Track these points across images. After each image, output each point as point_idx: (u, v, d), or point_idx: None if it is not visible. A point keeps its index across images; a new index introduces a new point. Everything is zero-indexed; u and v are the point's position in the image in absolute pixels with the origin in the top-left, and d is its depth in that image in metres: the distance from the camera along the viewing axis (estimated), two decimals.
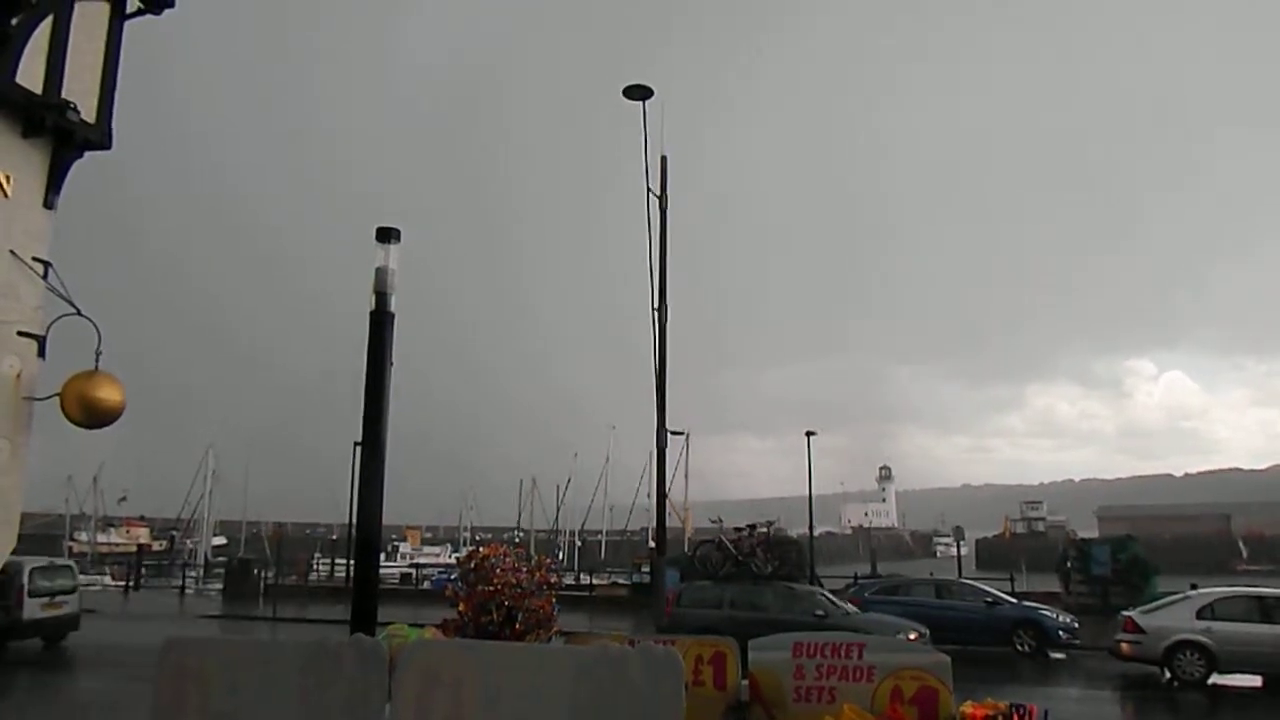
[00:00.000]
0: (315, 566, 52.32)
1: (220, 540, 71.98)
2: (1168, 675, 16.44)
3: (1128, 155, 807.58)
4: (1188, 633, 16.32)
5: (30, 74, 6.65)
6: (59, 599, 20.18)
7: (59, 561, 23.37)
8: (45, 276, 6.79)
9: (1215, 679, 16.15)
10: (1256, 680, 16.35)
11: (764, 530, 23.10)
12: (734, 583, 20.50)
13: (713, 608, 19.40)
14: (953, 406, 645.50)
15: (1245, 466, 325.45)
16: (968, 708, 5.19)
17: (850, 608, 19.65)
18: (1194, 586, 20.04)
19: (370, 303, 6.36)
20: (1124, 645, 17.13)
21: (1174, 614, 16.97)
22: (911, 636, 16.89)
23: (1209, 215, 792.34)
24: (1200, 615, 16.50)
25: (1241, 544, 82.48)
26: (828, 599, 19.80)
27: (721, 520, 25.70)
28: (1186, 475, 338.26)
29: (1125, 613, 17.97)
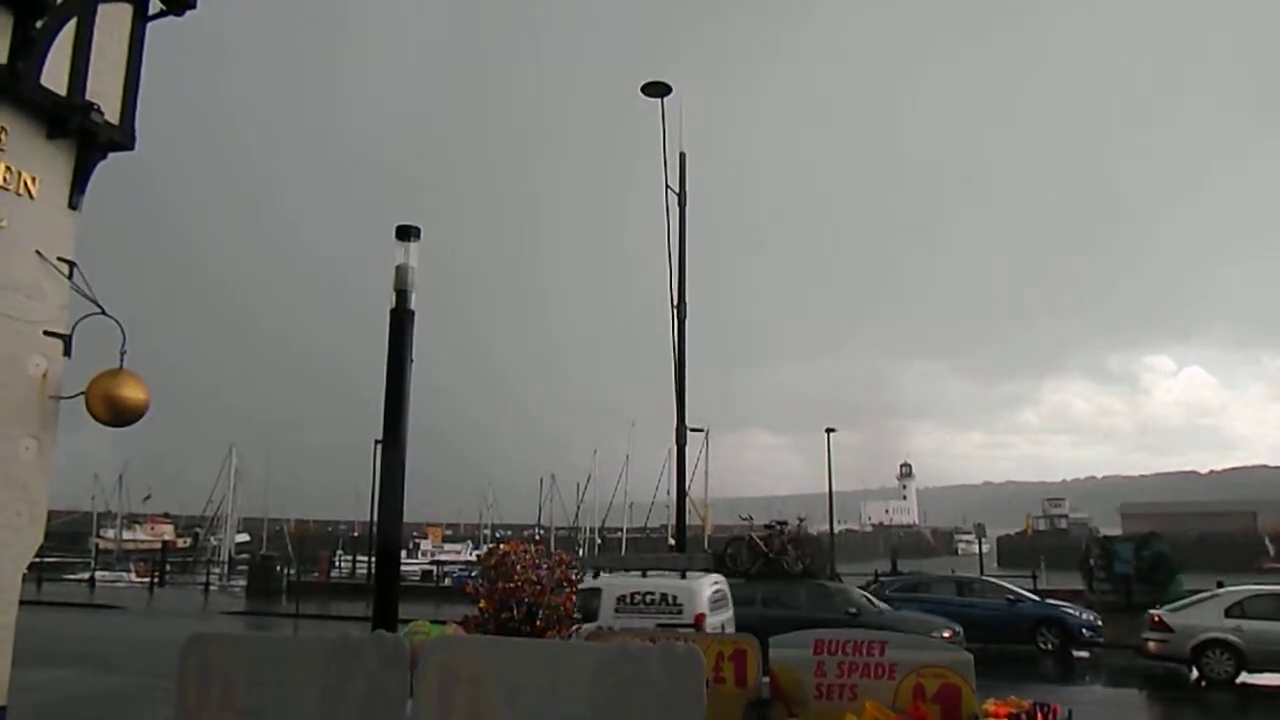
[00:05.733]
0: (337, 563, 52.73)
1: (244, 537, 72.60)
2: (1195, 674, 16.24)
3: (1142, 150, 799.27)
4: (1216, 631, 16.11)
5: (54, 76, 6.72)
6: None
7: None
8: (70, 276, 6.86)
9: (1244, 678, 15.95)
10: None
11: (793, 528, 23.01)
12: (765, 581, 20.39)
13: (744, 606, 19.32)
14: (967, 403, 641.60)
15: (1271, 463, 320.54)
16: (990, 706, 5.15)
17: (883, 606, 19.43)
18: (1221, 584, 19.81)
19: (391, 300, 6.38)
20: (1151, 643, 16.93)
21: (1202, 612, 16.76)
22: (945, 635, 16.69)
23: (1222, 210, 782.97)
24: (1229, 613, 16.28)
25: (1268, 541, 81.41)
26: (861, 597, 19.66)
27: (752, 518, 25.62)
28: (1211, 472, 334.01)
29: (1152, 610, 17.77)
